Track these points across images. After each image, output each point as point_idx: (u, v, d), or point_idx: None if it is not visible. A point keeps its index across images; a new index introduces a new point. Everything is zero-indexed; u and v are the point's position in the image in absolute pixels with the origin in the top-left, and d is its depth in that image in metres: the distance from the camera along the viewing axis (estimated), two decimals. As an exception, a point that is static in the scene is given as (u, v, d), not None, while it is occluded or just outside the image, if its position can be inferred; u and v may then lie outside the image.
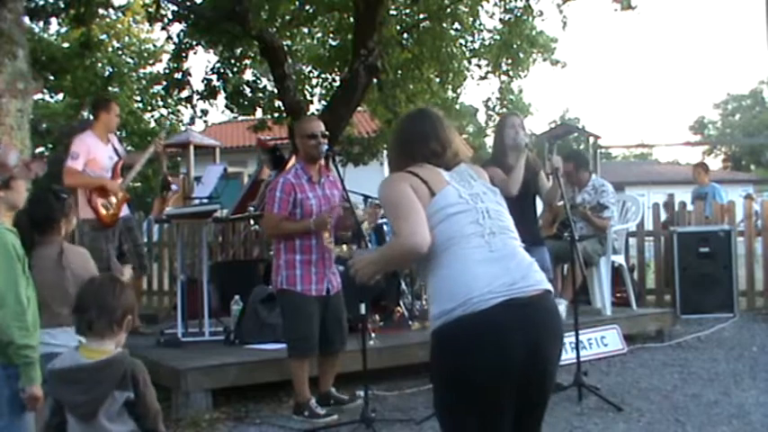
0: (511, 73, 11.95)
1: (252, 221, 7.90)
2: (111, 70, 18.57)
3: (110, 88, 17.37)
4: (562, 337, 2.45)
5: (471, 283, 2.27)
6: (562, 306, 6.11)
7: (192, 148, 12.23)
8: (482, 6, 11.36)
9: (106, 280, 2.59)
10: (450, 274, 2.32)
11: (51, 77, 16.02)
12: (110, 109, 6.13)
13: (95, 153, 5.93)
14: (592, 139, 11.28)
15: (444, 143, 2.54)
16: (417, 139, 2.56)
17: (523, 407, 2.32)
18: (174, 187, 6.88)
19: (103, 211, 5.89)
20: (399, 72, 11.20)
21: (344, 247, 4.91)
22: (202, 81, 11.21)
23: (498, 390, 2.25)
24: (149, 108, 21.51)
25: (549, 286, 2.40)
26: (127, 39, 20.47)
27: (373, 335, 5.31)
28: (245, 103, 11.49)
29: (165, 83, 12.19)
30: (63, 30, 17.35)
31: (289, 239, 4.58)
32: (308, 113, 10.05)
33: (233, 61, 11.37)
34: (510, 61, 11.70)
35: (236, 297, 5.88)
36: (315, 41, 12.55)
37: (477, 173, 2.55)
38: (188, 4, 10.57)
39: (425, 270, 2.42)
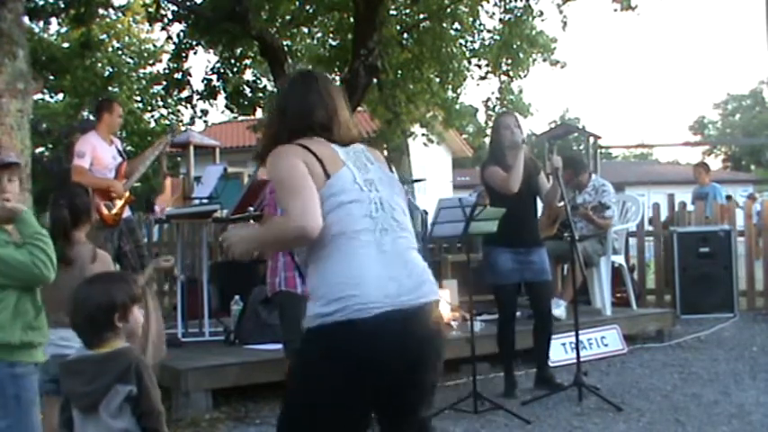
0: (511, 73, 11.95)
1: (252, 222, 7.89)
2: (111, 70, 18.60)
3: (110, 88, 17.39)
4: (439, 356, 2.22)
5: (354, 285, 2.07)
6: (562, 307, 6.11)
7: (192, 148, 12.24)
8: (482, 6, 11.38)
9: (83, 288, 2.44)
10: (333, 270, 2.11)
11: (51, 77, 16.02)
12: (112, 110, 6.13)
13: (99, 152, 5.94)
14: (592, 139, 11.25)
15: (330, 112, 2.29)
16: (302, 108, 2.28)
17: (388, 415, 2.23)
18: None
19: (106, 212, 5.89)
20: (399, 72, 11.21)
21: None
22: (202, 81, 11.24)
23: (354, 402, 2.12)
24: (149, 108, 21.53)
25: (438, 295, 2.23)
26: (127, 39, 20.52)
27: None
28: (245, 103, 11.49)
29: (165, 83, 12.20)
30: (63, 30, 17.37)
31: (288, 240, 4.56)
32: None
33: (233, 61, 11.37)
34: (510, 61, 11.70)
35: (237, 297, 5.87)
36: (315, 41, 12.56)
37: (374, 156, 2.34)
38: (188, 4, 10.57)
39: (308, 258, 2.19)
